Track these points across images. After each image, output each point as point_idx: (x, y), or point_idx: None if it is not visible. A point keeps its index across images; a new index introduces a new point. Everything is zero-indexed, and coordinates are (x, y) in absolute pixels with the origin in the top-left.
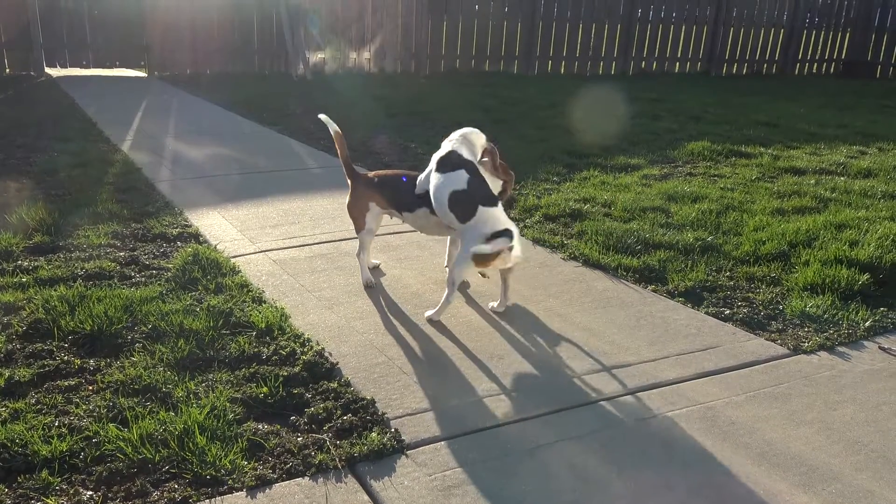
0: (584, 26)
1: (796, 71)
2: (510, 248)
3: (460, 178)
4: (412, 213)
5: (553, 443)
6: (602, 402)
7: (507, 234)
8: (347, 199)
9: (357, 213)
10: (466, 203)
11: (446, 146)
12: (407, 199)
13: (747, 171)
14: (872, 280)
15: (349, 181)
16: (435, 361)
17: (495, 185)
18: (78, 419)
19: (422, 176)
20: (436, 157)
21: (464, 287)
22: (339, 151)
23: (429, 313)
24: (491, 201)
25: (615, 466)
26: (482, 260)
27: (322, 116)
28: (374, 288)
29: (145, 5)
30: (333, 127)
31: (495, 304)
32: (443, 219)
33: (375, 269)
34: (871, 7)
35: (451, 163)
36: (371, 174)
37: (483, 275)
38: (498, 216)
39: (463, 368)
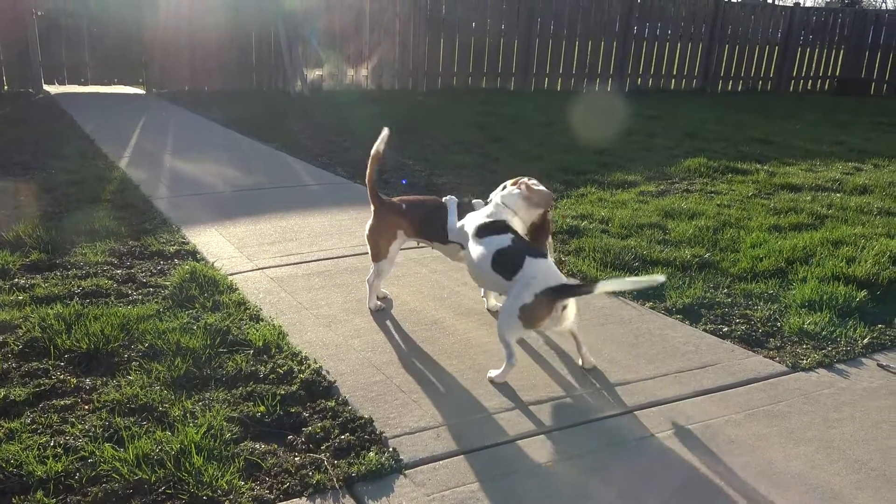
0: (580, 43)
1: (791, 88)
2: (564, 307)
3: (503, 239)
4: (445, 246)
5: (553, 462)
6: (602, 421)
7: (564, 290)
8: (368, 224)
9: (381, 240)
10: (511, 257)
11: (489, 211)
12: (441, 230)
13: (744, 187)
14: (870, 296)
15: (373, 206)
16: (433, 380)
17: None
18: (73, 439)
19: (453, 223)
20: (475, 221)
21: (463, 305)
22: (368, 171)
23: (492, 374)
24: (539, 253)
25: (615, 486)
26: (530, 318)
27: (385, 130)
28: (382, 312)
29: (144, 23)
30: (377, 146)
31: (580, 361)
32: (486, 285)
33: (383, 298)
34: (865, 24)
35: (495, 229)
36: (397, 200)
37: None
38: (548, 269)
39: (461, 387)
